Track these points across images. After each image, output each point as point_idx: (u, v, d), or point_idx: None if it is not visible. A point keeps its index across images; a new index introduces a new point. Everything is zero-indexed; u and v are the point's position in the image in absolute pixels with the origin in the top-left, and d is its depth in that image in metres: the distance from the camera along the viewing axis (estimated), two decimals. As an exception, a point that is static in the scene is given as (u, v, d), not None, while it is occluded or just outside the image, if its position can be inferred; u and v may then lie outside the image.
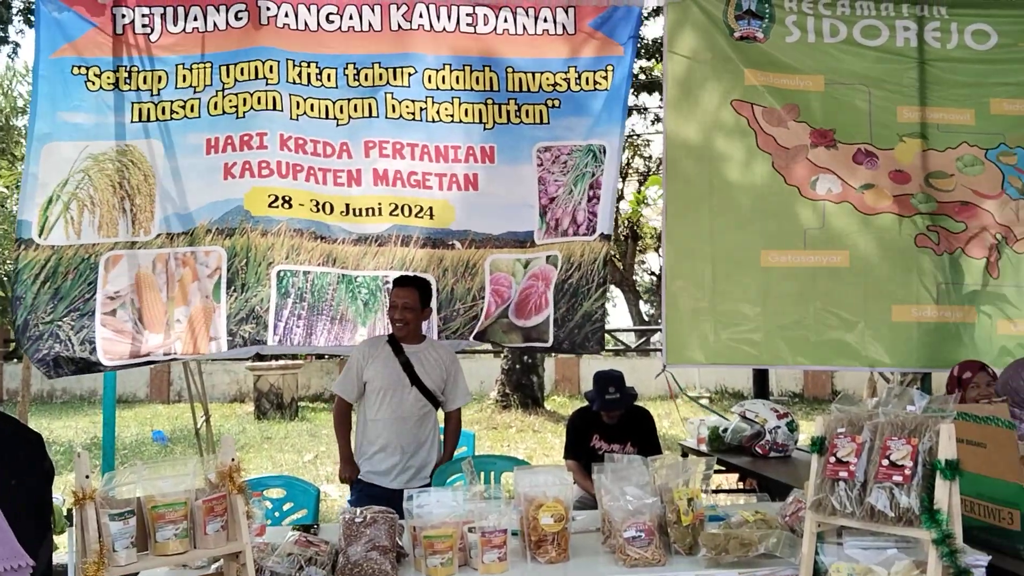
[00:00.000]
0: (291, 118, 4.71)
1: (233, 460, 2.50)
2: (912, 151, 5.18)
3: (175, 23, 4.67)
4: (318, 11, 4.76)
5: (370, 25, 4.82)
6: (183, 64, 4.67)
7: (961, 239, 5.17)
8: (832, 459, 2.54)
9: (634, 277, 23.83)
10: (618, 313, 31.69)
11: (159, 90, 4.66)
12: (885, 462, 2.42)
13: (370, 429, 4.46)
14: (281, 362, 14.30)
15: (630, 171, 21.52)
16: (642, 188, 20.97)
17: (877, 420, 2.52)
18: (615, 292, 27.24)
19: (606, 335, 21.17)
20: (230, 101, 4.67)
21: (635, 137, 21.05)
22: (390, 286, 4.73)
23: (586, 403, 5.35)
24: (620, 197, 21.62)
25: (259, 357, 13.65)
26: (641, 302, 23.84)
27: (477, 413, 13.34)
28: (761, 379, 6.81)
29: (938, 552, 2.30)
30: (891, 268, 5.17)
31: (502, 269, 4.98)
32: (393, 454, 4.42)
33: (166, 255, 4.63)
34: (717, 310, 5.11)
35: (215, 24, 4.67)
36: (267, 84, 4.68)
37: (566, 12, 4.99)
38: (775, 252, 5.16)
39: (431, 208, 4.88)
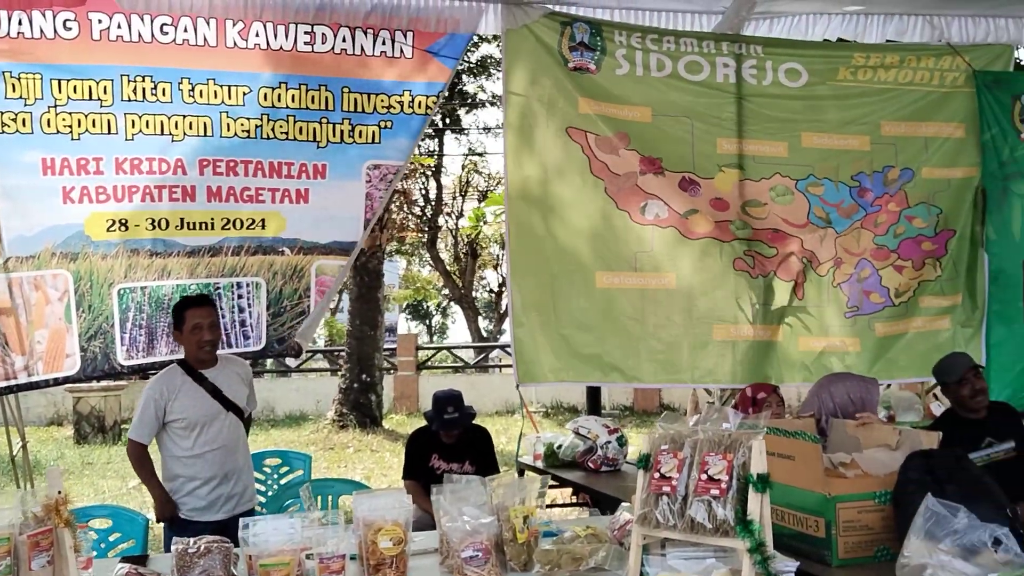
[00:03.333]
0: (126, 139, 4.74)
1: (60, 493, 2.40)
2: (730, 180, 5.49)
3: None
4: (151, 21, 4.72)
5: (205, 40, 4.82)
6: (10, 72, 4.52)
7: (773, 263, 5.54)
8: (656, 475, 2.69)
9: (473, 294, 24.07)
10: (458, 330, 31.95)
11: None
12: (704, 476, 2.59)
13: (187, 466, 4.28)
14: (103, 383, 13.54)
15: (470, 189, 21.79)
16: (481, 206, 21.24)
17: (697, 437, 2.69)
18: (454, 309, 27.40)
19: (446, 352, 21.40)
20: (64, 120, 4.62)
21: (476, 155, 21.36)
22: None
23: (424, 423, 5.40)
24: (460, 214, 21.85)
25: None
26: (480, 318, 24.10)
27: (313, 434, 13.08)
28: (593, 395, 7.03)
29: (752, 560, 2.48)
30: (712, 290, 5.48)
31: (327, 273, 5.22)
32: (219, 485, 4.30)
33: (19, 279, 4.62)
34: (559, 330, 5.27)
35: (42, 31, 4.55)
36: (101, 106, 4.68)
37: (404, 35, 5.08)
38: (608, 274, 5.37)
39: (263, 220, 5.06)
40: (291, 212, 5.08)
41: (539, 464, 5.79)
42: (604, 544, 2.92)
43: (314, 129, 5.03)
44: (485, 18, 5.22)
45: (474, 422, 5.38)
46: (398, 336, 18.70)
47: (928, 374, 5.00)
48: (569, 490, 5.94)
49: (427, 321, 36.27)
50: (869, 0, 5.69)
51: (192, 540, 2.88)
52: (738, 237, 5.51)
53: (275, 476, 5.60)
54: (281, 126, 4.97)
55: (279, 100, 4.95)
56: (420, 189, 19.91)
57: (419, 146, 18.77)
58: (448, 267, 22.02)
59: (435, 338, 34.70)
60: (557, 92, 5.27)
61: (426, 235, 20.60)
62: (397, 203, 14.16)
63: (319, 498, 4.77)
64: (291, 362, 19.56)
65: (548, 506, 6.12)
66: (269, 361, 19.27)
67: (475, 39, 12.32)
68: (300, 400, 15.87)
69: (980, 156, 5.74)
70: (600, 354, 5.31)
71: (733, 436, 2.62)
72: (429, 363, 19.02)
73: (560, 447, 5.70)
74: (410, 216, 18.20)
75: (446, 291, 24.73)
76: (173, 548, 2.86)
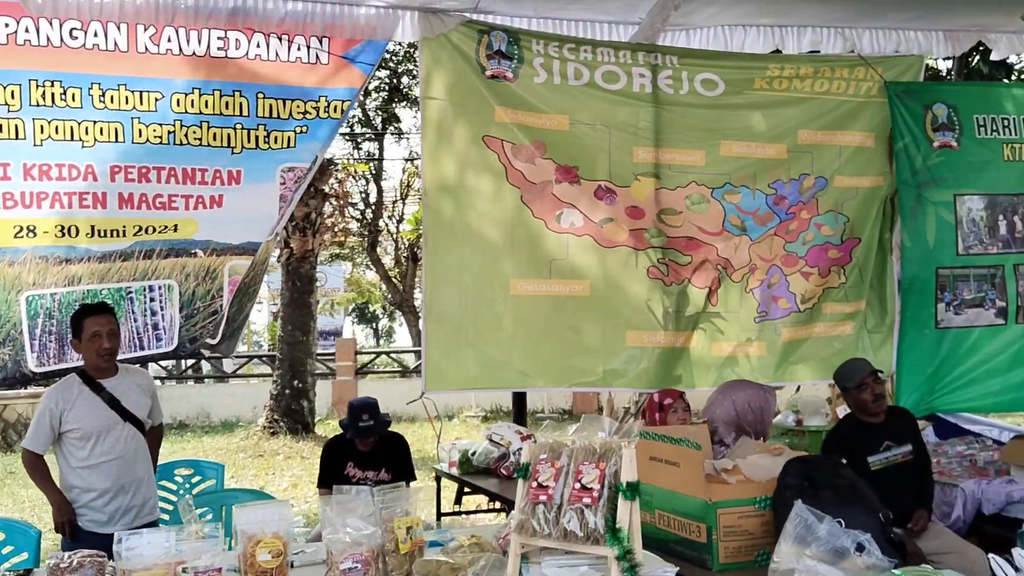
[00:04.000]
0: (35, 144, 4.65)
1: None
2: (646, 189, 5.56)
3: None
4: (60, 26, 4.65)
5: (116, 45, 4.77)
6: None
7: (688, 270, 5.62)
8: (534, 484, 2.71)
9: (415, 297, 23.98)
10: (405, 333, 31.80)
11: None
12: (577, 485, 2.61)
13: (82, 476, 4.22)
14: (30, 390, 13.22)
15: (411, 192, 21.71)
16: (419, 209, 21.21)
17: (574, 446, 2.72)
18: (397, 314, 27.25)
19: (387, 356, 21.27)
20: None
21: (418, 159, 21.27)
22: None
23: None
24: (400, 219, 21.75)
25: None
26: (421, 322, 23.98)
27: (243, 440, 12.86)
28: (519, 400, 7.03)
29: (619, 567, 2.50)
30: (626, 296, 5.55)
31: (239, 272, 5.19)
32: (115, 497, 4.23)
33: None
34: (473, 336, 5.31)
35: None
36: (9, 111, 4.59)
37: (320, 41, 5.07)
38: (523, 281, 5.41)
39: (176, 225, 5.02)
40: (204, 217, 5.04)
41: (454, 471, 5.78)
42: (485, 553, 2.92)
43: (228, 135, 4.99)
44: (402, 25, 5.22)
45: (390, 430, 5.37)
46: (337, 340, 18.56)
47: (828, 376, 5.11)
48: (485, 497, 5.94)
49: (374, 325, 36.10)
50: (783, 13, 5.80)
51: (66, 555, 2.83)
52: (653, 245, 5.58)
53: (186, 486, 5.51)
54: (195, 132, 4.91)
55: (192, 106, 4.91)
56: (360, 192, 19.79)
57: (358, 148, 18.66)
58: (389, 271, 21.91)
59: (382, 342, 34.54)
60: (473, 100, 5.30)
61: (366, 239, 20.48)
62: (333, 207, 14.01)
63: (223, 509, 4.72)
64: (229, 367, 19.32)
65: (464, 513, 6.15)
66: (207, 366, 18.99)
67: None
68: (236, 406, 15.66)
69: (889, 165, 5.89)
70: (513, 360, 5.36)
71: (606, 445, 2.65)
72: (370, 367, 18.89)
73: (474, 454, 5.70)
74: (351, 220, 18.08)
75: (390, 295, 24.63)
76: (46, 563, 2.81)
